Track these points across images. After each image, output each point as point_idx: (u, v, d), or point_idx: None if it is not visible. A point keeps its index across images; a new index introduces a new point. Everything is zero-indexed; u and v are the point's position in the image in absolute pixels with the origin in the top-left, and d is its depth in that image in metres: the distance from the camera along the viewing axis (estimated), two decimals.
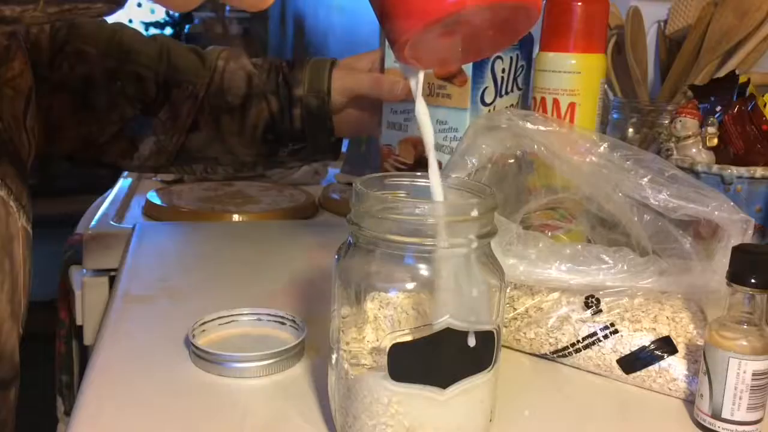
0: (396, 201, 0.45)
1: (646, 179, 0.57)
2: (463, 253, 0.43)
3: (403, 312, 0.43)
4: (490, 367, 0.44)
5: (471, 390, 0.44)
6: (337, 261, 0.45)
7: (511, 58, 0.74)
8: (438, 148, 0.75)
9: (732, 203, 0.55)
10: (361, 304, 0.43)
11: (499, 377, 0.46)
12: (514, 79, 0.75)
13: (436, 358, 0.42)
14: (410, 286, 0.43)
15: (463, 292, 0.44)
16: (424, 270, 0.42)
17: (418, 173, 0.47)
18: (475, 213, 0.42)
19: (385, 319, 0.43)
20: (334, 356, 0.46)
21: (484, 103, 0.73)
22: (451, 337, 0.42)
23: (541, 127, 0.60)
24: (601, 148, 0.59)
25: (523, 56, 0.75)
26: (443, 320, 0.42)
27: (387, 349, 0.41)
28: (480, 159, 0.61)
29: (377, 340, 0.43)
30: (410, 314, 0.43)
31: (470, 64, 0.71)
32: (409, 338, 0.42)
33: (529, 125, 0.60)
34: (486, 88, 0.72)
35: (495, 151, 0.61)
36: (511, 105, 0.75)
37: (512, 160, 0.63)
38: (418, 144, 0.77)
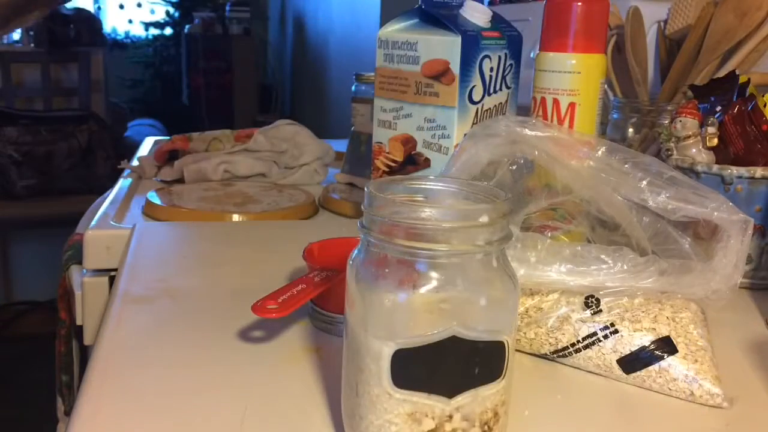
0: (408, 205, 0.44)
1: (644, 182, 0.57)
2: (475, 260, 0.42)
3: (412, 318, 0.43)
4: (501, 378, 0.43)
5: (478, 401, 0.43)
6: (350, 264, 0.44)
7: (500, 56, 0.74)
8: (426, 146, 0.76)
9: (731, 203, 0.55)
10: (373, 308, 0.43)
11: (512, 388, 0.45)
12: (503, 77, 0.75)
13: (441, 367, 0.42)
14: (422, 291, 0.42)
15: (474, 299, 0.43)
16: (434, 276, 0.42)
17: (432, 177, 0.47)
18: (485, 219, 0.41)
19: (394, 323, 0.43)
20: (344, 354, 0.45)
21: (472, 102, 0.73)
22: (458, 346, 0.42)
23: (540, 133, 0.60)
24: (599, 152, 0.59)
25: (512, 55, 0.76)
26: (450, 328, 0.41)
27: (390, 355, 0.41)
28: (479, 166, 0.61)
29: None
30: (419, 320, 0.43)
31: (458, 63, 0.71)
32: (413, 345, 0.41)
33: (527, 131, 0.60)
34: (474, 86, 0.73)
35: (493, 158, 0.61)
36: (500, 103, 0.76)
37: (514, 167, 0.63)
38: (406, 142, 0.77)
